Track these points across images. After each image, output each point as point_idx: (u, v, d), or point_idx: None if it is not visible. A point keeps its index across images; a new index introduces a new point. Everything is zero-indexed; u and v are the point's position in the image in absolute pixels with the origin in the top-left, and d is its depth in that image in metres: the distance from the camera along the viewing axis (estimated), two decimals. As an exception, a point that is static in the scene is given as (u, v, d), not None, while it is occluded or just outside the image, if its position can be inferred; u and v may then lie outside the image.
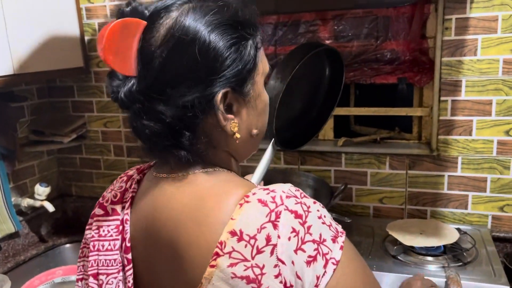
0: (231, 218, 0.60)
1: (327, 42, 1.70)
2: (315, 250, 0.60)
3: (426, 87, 1.64)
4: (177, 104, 0.64)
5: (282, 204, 0.61)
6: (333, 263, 0.61)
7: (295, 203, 0.62)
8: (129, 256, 0.70)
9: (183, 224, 0.64)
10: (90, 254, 0.72)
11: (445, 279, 1.23)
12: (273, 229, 0.59)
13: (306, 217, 0.61)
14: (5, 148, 1.71)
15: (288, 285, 0.58)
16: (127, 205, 0.72)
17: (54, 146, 1.91)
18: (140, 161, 0.81)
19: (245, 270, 0.58)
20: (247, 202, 0.61)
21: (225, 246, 0.59)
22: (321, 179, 1.68)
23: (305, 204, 0.62)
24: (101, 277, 0.70)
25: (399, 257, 1.39)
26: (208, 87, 0.64)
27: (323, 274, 0.60)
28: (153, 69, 0.64)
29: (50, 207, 1.78)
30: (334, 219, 0.68)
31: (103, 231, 0.72)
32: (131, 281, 0.69)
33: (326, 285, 0.60)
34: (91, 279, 0.71)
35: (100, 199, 0.77)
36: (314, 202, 0.64)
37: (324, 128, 1.72)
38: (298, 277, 0.59)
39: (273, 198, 0.61)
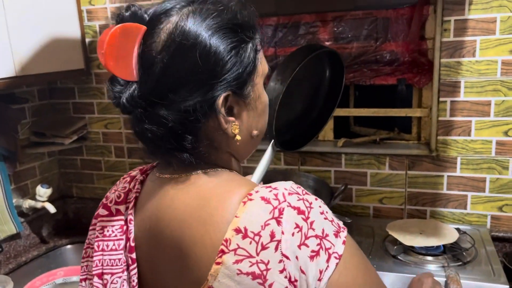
0: (235, 216, 0.61)
1: (327, 43, 1.71)
2: (318, 245, 0.61)
3: (425, 88, 1.65)
4: (179, 108, 0.64)
5: (285, 201, 0.62)
6: (335, 258, 0.62)
7: (298, 200, 0.63)
8: (133, 255, 0.71)
9: (187, 223, 0.65)
10: (95, 254, 0.72)
11: (445, 279, 1.23)
12: (276, 226, 0.60)
13: (308, 213, 0.62)
14: (6, 150, 1.71)
15: (292, 279, 0.60)
16: (131, 205, 0.73)
17: (55, 148, 1.92)
18: (141, 162, 0.81)
19: (250, 266, 0.59)
20: (251, 200, 0.62)
21: (230, 244, 0.60)
22: (321, 180, 1.68)
23: (307, 201, 0.64)
24: (105, 276, 0.71)
25: (399, 257, 1.39)
26: (209, 91, 0.65)
27: (326, 268, 0.61)
28: (154, 74, 0.64)
29: (51, 208, 1.78)
30: (335, 218, 0.69)
31: (108, 231, 0.72)
32: (136, 280, 0.70)
33: (328, 279, 0.61)
34: (95, 279, 0.71)
35: (104, 199, 0.77)
36: (316, 199, 0.66)
37: (324, 129, 1.73)
38: (302, 271, 0.60)
39: (276, 195, 0.62)
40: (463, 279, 1.23)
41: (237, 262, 0.59)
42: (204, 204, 0.65)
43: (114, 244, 0.71)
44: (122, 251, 0.71)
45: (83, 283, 0.76)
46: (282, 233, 0.60)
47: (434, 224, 1.53)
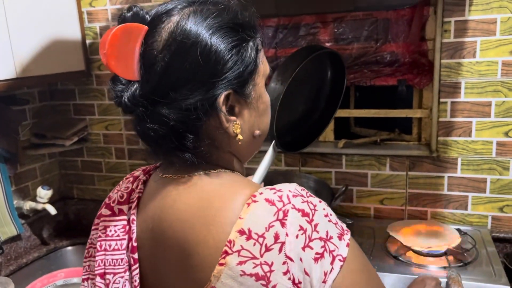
0: (239, 218, 0.61)
1: (328, 44, 1.71)
2: (322, 247, 0.61)
3: (426, 88, 1.65)
4: (180, 107, 0.64)
5: (289, 202, 0.62)
6: (339, 260, 0.62)
7: (302, 202, 0.63)
8: (136, 255, 0.70)
9: (190, 224, 0.65)
10: (97, 253, 0.72)
11: (446, 279, 1.23)
12: (281, 227, 0.60)
13: (313, 215, 0.62)
14: (7, 151, 1.71)
15: (296, 281, 0.60)
16: (133, 205, 0.73)
17: (56, 149, 1.92)
18: (142, 163, 0.81)
19: (254, 267, 0.59)
20: (255, 201, 0.62)
21: (234, 245, 0.60)
22: (322, 181, 1.68)
23: (311, 203, 0.64)
24: (108, 276, 0.71)
25: (400, 258, 1.39)
26: (210, 90, 0.65)
27: (331, 271, 0.61)
28: (156, 73, 0.64)
29: (52, 210, 1.78)
30: (336, 219, 0.69)
31: (110, 231, 0.72)
32: (138, 280, 0.70)
33: (333, 281, 0.61)
34: (98, 279, 0.71)
35: (107, 199, 0.77)
36: (320, 201, 0.66)
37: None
38: (306, 273, 0.60)
39: (280, 197, 0.63)
40: (464, 279, 1.23)
41: (240, 263, 0.59)
42: (207, 205, 0.65)
43: (116, 244, 0.71)
44: (124, 251, 0.71)
45: (85, 283, 0.76)
46: (287, 235, 0.60)
47: (435, 225, 1.53)
